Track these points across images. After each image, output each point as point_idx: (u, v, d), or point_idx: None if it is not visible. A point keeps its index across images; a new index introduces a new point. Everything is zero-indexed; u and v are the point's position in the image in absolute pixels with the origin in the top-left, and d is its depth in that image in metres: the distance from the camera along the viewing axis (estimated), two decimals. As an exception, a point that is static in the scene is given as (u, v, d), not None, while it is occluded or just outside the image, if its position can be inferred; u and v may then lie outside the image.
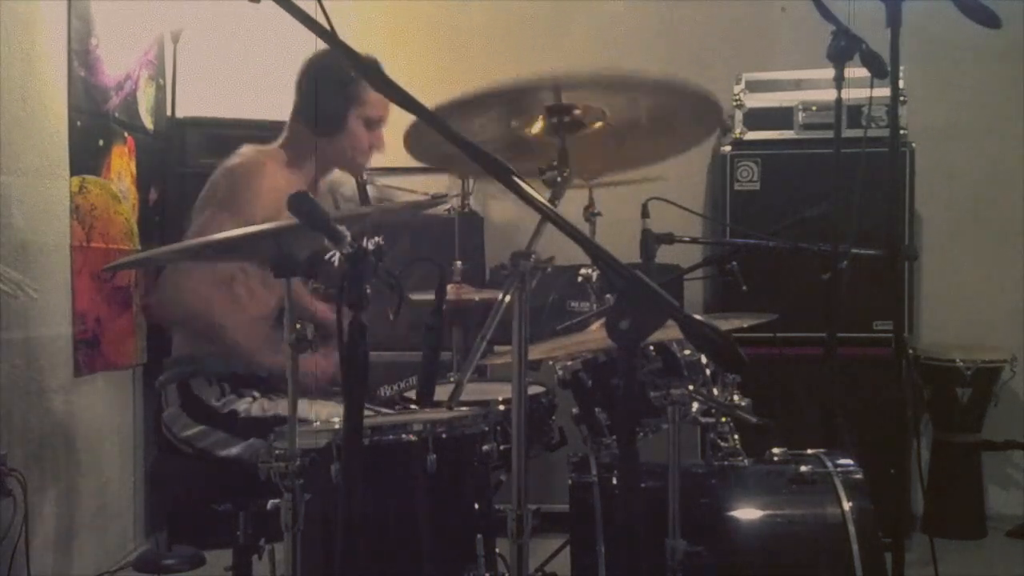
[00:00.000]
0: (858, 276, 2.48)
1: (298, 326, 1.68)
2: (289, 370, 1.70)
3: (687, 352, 2.22)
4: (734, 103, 3.79)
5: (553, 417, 2.53)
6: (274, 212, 2.37)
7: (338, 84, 2.51)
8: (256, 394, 2.40)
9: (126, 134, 3.65)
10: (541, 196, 1.24)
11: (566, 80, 1.59)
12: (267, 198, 2.38)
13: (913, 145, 3.64)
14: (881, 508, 2.12)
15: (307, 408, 2.32)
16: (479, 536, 1.83)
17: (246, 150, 2.54)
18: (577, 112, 1.66)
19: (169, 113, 3.91)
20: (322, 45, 1.27)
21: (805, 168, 3.61)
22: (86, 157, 3.35)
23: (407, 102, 1.25)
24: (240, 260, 2.33)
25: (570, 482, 2.18)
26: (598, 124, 1.70)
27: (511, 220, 4.21)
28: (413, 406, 2.43)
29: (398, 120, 1.47)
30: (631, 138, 1.80)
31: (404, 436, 1.83)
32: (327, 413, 2.27)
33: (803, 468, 2.18)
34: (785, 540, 2.13)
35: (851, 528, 2.06)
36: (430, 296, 1.89)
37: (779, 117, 3.78)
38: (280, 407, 2.32)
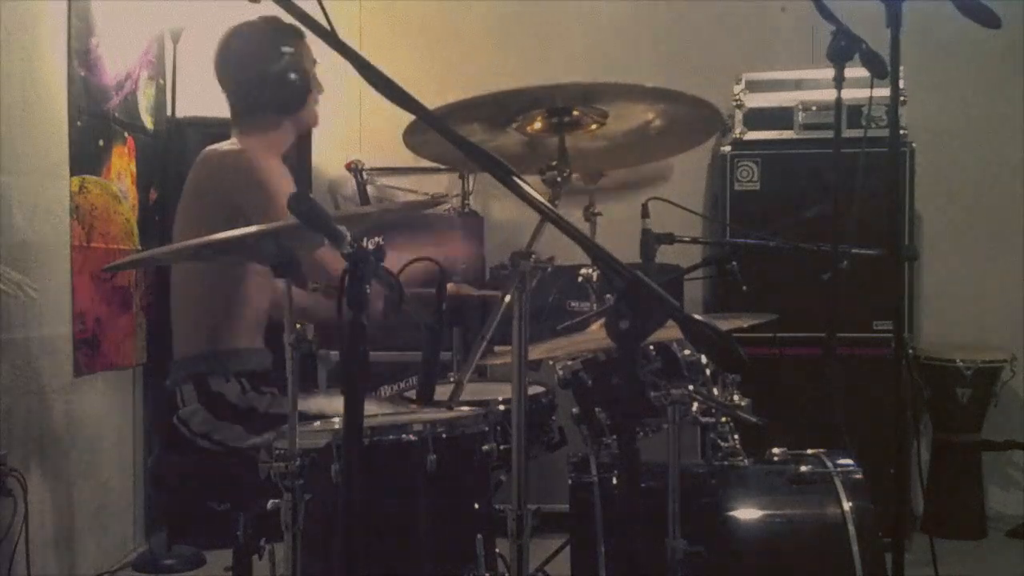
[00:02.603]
0: (858, 276, 2.48)
1: (298, 326, 1.68)
2: (289, 370, 1.70)
3: (687, 352, 2.22)
4: (734, 103, 3.79)
5: (553, 417, 2.53)
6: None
7: (289, 58, 2.45)
8: (276, 391, 2.40)
9: (126, 134, 3.65)
10: (541, 196, 1.24)
11: (564, 90, 1.59)
12: (286, 192, 2.37)
13: (913, 145, 3.65)
14: (881, 508, 2.12)
15: (326, 404, 2.32)
16: (479, 536, 1.82)
17: (234, 150, 2.48)
18: (576, 113, 1.66)
19: (169, 113, 3.91)
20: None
21: (805, 168, 3.62)
22: (86, 157, 3.35)
23: (407, 102, 1.25)
24: (240, 260, 2.32)
25: (570, 482, 2.18)
26: (595, 126, 1.70)
27: (511, 220, 4.21)
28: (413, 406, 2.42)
29: (397, 119, 1.47)
30: (630, 140, 1.81)
31: (404, 436, 1.83)
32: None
33: (803, 468, 2.18)
34: (785, 540, 2.13)
35: (851, 528, 2.06)
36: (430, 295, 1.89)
37: (779, 117, 3.78)
38: (302, 404, 2.31)
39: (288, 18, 1.27)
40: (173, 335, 2.52)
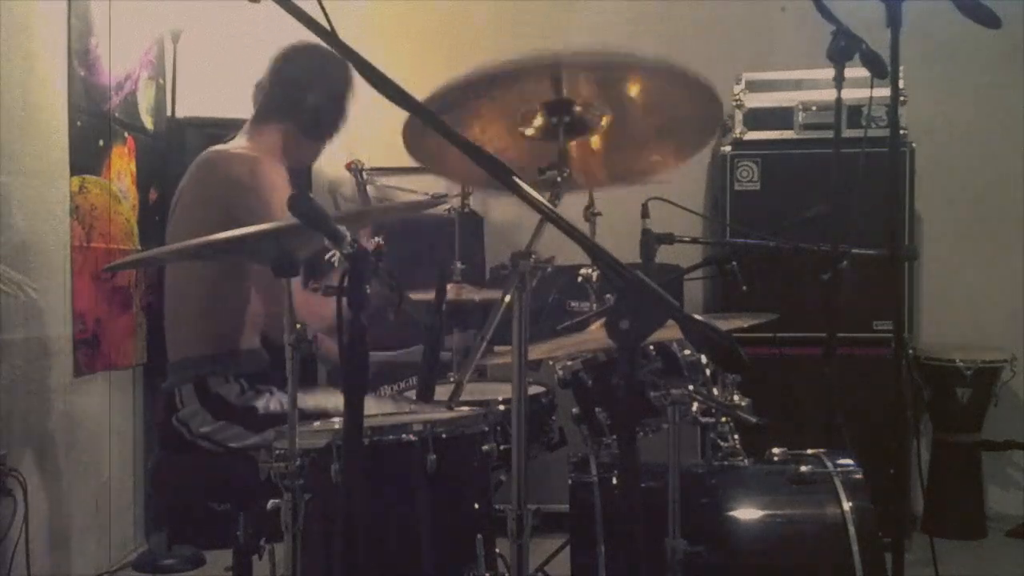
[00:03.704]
0: (858, 276, 2.49)
1: (298, 326, 1.68)
2: (289, 370, 1.70)
3: (687, 352, 2.22)
4: (734, 103, 3.79)
5: (553, 417, 2.53)
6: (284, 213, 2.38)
7: (342, 93, 2.55)
8: (274, 389, 2.41)
9: (126, 134, 3.65)
10: (541, 196, 1.24)
11: (565, 60, 1.57)
12: (281, 199, 2.38)
13: (913, 145, 3.65)
14: (881, 508, 2.12)
15: (326, 400, 2.32)
16: (479, 536, 1.82)
17: (238, 151, 2.50)
18: (577, 109, 1.65)
19: (169, 113, 3.91)
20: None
21: (805, 168, 3.61)
22: (86, 157, 3.35)
23: (407, 102, 1.25)
24: (240, 260, 2.32)
25: (570, 482, 2.18)
26: (601, 121, 1.69)
27: (511, 220, 4.21)
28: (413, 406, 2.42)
29: (397, 119, 1.47)
30: (632, 144, 1.80)
31: (404, 436, 1.83)
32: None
33: (803, 468, 2.18)
34: (785, 540, 2.13)
35: (851, 528, 2.06)
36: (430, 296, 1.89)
37: (779, 117, 3.78)
38: (299, 401, 2.31)
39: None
40: (168, 337, 2.51)
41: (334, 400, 2.32)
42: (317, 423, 2.10)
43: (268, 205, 2.34)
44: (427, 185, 3.91)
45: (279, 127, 2.55)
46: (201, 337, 2.44)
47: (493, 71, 1.56)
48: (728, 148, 3.79)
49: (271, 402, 2.39)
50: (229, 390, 2.38)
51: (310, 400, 2.29)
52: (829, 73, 2.37)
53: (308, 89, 2.54)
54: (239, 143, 2.54)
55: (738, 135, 3.78)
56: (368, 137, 4.03)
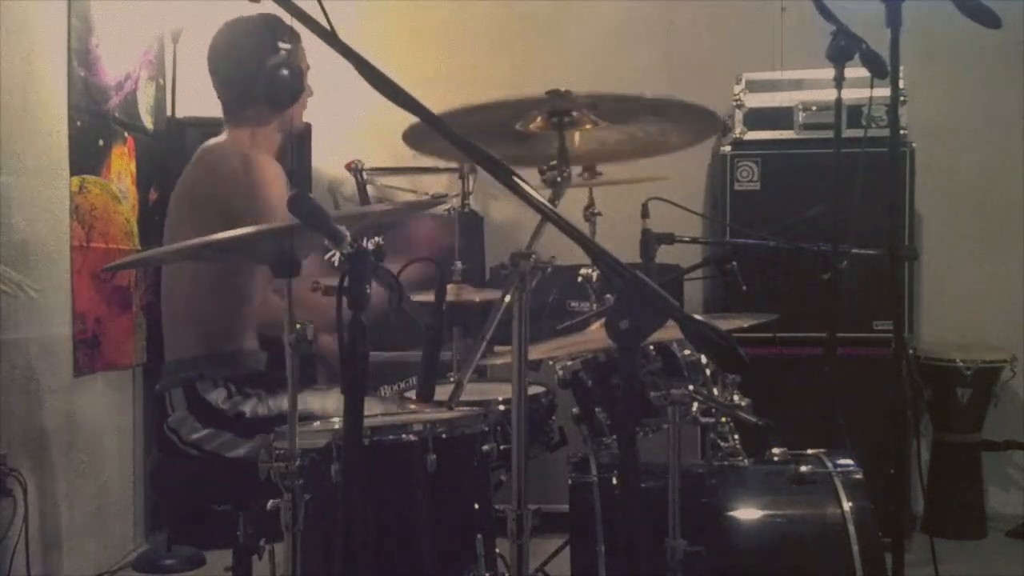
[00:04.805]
0: (858, 276, 2.49)
1: (298, 326, 1.68)
2: (289, 370, 1.70)
3: (687, 352, 2.22)
4: (734, 103, 3.79)
5: (553, 417, 2.53)
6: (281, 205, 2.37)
7: (285, 54, 2.45)
8: (262, 392, 2.40)
9: (126, 134, 3.65)
10: (541, 196, 1.24)
11: (563, 98, 1.58)
12: (277, 194, 2.38)
13: (913, 145, 3.64)
14: (881, 508, 2.12)
15: (313, 402, 2.32)
16: (479, 536, 1.83)
17: (229, 148, 2.49)
18: (576, 115, 1.66)
19: (169, 113, 3.91)
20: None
21: (805, 168, 3.61)
22: (86, 157, 3.35)
23: (407, 102, 1.25)
24: (239, 260, 2.32)
25: (570, 482, 2.18)
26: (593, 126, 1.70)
27: (511, 220, 4.21)
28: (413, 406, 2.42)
29: (397, 119, 1.47)
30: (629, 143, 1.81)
31: (404, 436, 1.83)
32: (334, 407, 2.26)
33: (803, 468, 2.18)
34: (785, 540, 2.13)
35: (851, 528, 2.06)
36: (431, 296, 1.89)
37: (779, 117, 3.78)
38: (286, 403, 2.31)
39: (287, 19, 1.27)
40: (165, 338, 2.51)
41: (320, 402, 2.32)
42: (317, 423, 2.10)
43: (266, 201, 2.34)
44: (427, 185, 3.91)
45: (249, 116, 2.52)
46: (196, 338, 2.43)
47: (489, 105, 1.57)
48: (728, 148, 3.79)
49: (259, 406, 2.37)
50: (216, 395, 2.37)
51: (299, 402, 2.29)
52: (829, 73, 2.37)
53: (250, 66, 2.44)
54: (227, 137, 2.53)
55: (738, 135, 3.78)
56: (368, 137, 4.05)
